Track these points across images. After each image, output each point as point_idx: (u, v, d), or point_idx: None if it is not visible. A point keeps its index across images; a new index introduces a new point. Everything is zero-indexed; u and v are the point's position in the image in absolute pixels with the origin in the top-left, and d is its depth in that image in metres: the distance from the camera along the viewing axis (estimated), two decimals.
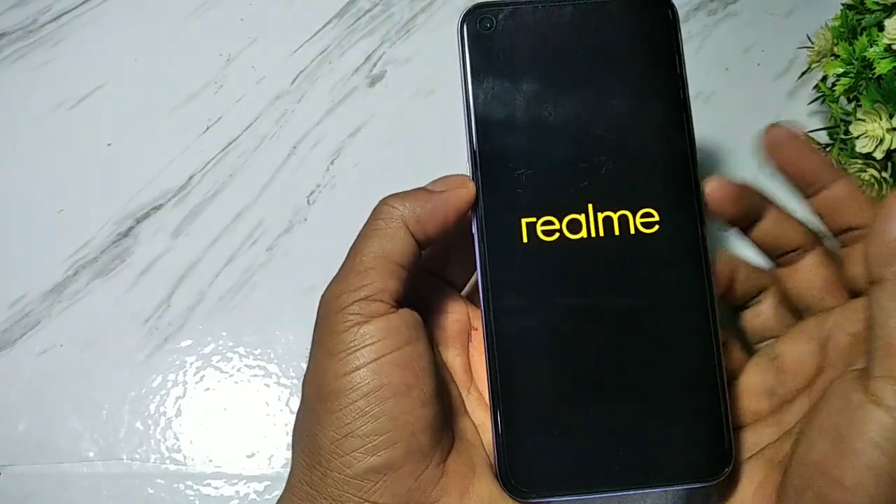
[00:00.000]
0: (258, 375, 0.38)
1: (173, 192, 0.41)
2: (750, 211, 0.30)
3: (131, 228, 0.40)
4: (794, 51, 0.42)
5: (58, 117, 0.42)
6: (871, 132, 0.34)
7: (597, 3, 0.30)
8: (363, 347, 0.26)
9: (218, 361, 0.38)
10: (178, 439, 0.37)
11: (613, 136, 0.29)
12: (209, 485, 0.36)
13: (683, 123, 0.29)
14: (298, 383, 0.37)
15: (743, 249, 0.32)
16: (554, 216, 0.28)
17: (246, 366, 0.38)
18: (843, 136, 0.36)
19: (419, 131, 0.42)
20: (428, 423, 0.26)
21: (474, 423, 0.29)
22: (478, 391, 0.30)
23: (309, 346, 0.28)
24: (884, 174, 0.34)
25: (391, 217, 0.27)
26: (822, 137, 0.38)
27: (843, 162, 0.36)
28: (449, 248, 0.31)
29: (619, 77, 0.29)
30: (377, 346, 0.26)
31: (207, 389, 0.38)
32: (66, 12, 0.44)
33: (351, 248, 0.28)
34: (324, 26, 0.44)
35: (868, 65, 0.35)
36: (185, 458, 0.37)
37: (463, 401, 0.30)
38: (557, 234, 0.28)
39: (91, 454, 0.37)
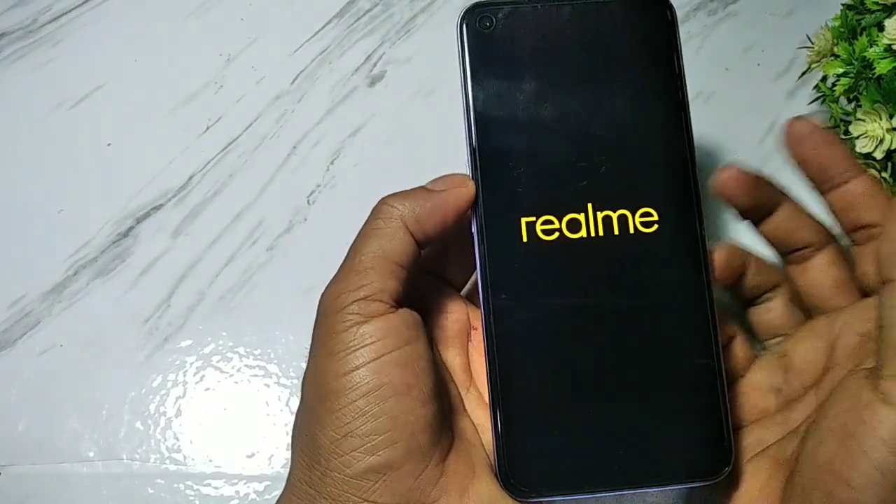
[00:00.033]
0: (258, 375, 0.38)
1: (173, 192, 0.41)
2: (763, 202, 0.30)
3: (131, 228, 0.40)
4: (794, 51, 0.42)
5: (58, 117, 0.42)
6: (871, 132, 0.34)
7: (596, 2, 0.30)
8: (363, 347, 0.26)
9: (218, 361, 0.38)
10: (178, 439, 0.37)
11: (613, 135, 0.29)
12: (209, 485, 0.36)
13: (682, 123, 0.29)
14: (298, 383, 0.37)
15: (752, 245, 0.32)
16: (553, 215, 0.28)
17: (246, 366, 0.38)
18: (843, 137, 0.36)
19: (419, 131, 0.42)
20: (428, 422, 0.26)
21: (474, 423, 0.29)
22: (477, 391, 0.30)
23: (309, 346, 0.28)
24: (884, 174, 0.34)
25: (390, 217, 0.27)
26: None
27: None
28: (448, 247, 0.31)
29: (618, 76, 0.29)
30: (377, 346, 0.26)
31: (207, 389, 0.38)
32: (66, 12, 0.44)
33: (350, 247, 0.28)
34: (324, 26, 0.44)
35: (868, 65, 0.35)
36: (185, 458, 0.37)
37: (462, 400, 0.30)
38: (557, 234, 0.28)
39: (91, 454, 0.37)
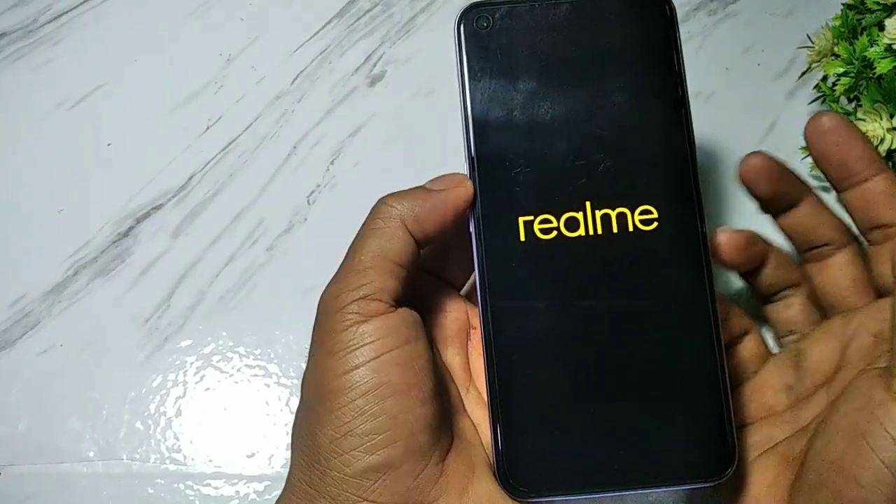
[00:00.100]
0: (258, 375, 0.38)
1: (173, 192, 0.41)
2: (786, 195, 0.30)
3: (131, 228, 0.40)
4: (794, 51, 0.42)
5: (58, 117, 0.42)
6: (871, 132, 0.34)
7: (594, 0, 0.30)
8: (362, 346, 0.26)
9: (218, 361, 0.38)
10: (178, 439, 0.37)
11: (611, 133, 0.29)
12: (209, 485, 0.36)
13: (682, 120, 0.29)
14: (298, 383, 0.37)
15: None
16: (552, 214, 0.28)
17: (246, 366, 0.38)
18: None
19: (419, 131, 0.42)
20: (427, 421, 0.26)
21: (473, 423, 0.29)
22: (477, 390, 0.30)
23: (308, 346, 0.28)
24: None
25: (390, 216, 0.27)
26: None
27: None
28: (448, 247, 0.31)
29: (616, 74, 0.29)
30: (376, 345, 0.26)
31: (207, 389, 0.38)
32: (66, 12, 0.44)
33: (350, 247, 0.28)
34: (324, 26, 0.44)
35: (868, 65, 0.35)
36: (185, 458, 0.37)
37: (462, 400, 0.30)
38: (555, 233, 0.28)
39: (91, 454, 0.37)
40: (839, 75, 0.36)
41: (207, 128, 0.42)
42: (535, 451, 0.27)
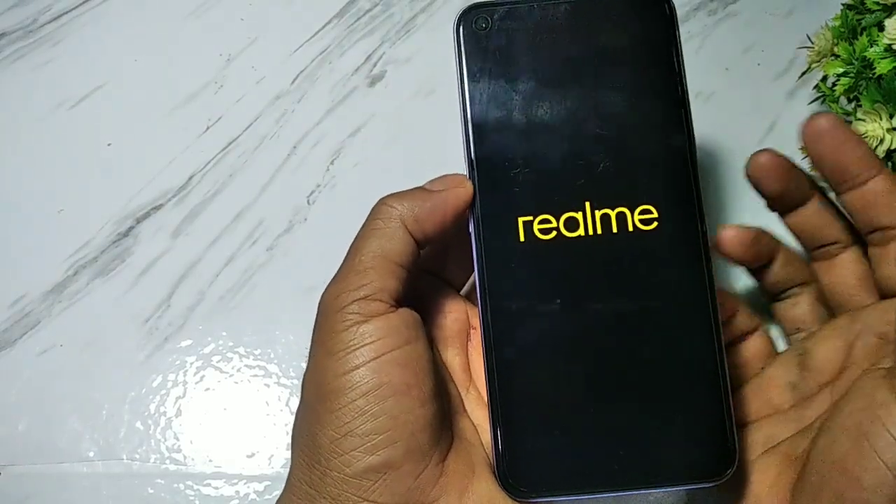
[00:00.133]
0: (258, 375, 0.38)
1: (173, 192, 0.41)
2: (794, 192, 0.30)
3: (131, 228, 0.40)
4: (794, 51, 0.42)
5: (58, 117, 0.42)
6: (871, 132, 0.34)
7: (593, 0, 0.29)
8: (362, 346, 0.26)
9: (218, 361, 0.38)
10: (178, 439, 0.37)
11: (611, 133, 0.29)
12: (209, 485, 0.36)
13: (682, 120, 0.29)
14: (298, 383, 0.37)
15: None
16: (551, 214, 0.28)
17: (246, 366, 0.38)
18: None
19: (419, 131, 0.42)
20: (427, 422, 0.26)
21: (473, 423, 0.29)
22: (477, 390, 0.30)
23: (309, 346, 0.28)
24: None
25: (390, 217, 0.27)
26: None
27: None
28: (448, 247, 0.31)
29: (616, 74, 0.29)
30: (376, 345, 0.26)
31: (207, 389, 0.38)
32: (66, 12, 0.44)
33: (350, 247, 0.28)
34: (324, 26, 0.44)
35: (868, 65, 0.35)
36: (185, 458, 0.37)
37: (462, 400, 0.30)
38: (555, 233, 0.28)
39: (91, 454, 0.37)
40: (839, 75, 0.36)
41: (207, 128, 0.42)
42: (535, 451, 0.27)
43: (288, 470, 0.27)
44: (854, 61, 0.35)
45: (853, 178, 0.28)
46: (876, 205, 0.28)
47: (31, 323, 0.38)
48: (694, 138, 0.29)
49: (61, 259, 0.39)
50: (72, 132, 0.42)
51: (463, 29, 0.30)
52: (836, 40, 0.37)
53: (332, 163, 0.41)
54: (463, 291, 0.33)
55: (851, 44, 0.36)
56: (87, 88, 0.42)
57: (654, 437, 0.27)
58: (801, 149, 0.39)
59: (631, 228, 0.28)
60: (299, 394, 0.28)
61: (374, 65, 0.43)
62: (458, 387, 0.30)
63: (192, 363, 0.38)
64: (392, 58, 0.43)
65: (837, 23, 0.37)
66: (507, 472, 0.27)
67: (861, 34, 0.35)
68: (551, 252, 0.28)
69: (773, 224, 0.32)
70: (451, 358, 0.30)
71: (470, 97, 0.29)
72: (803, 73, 0.40)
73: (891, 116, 0.33)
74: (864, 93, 0.34)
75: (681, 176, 0.28)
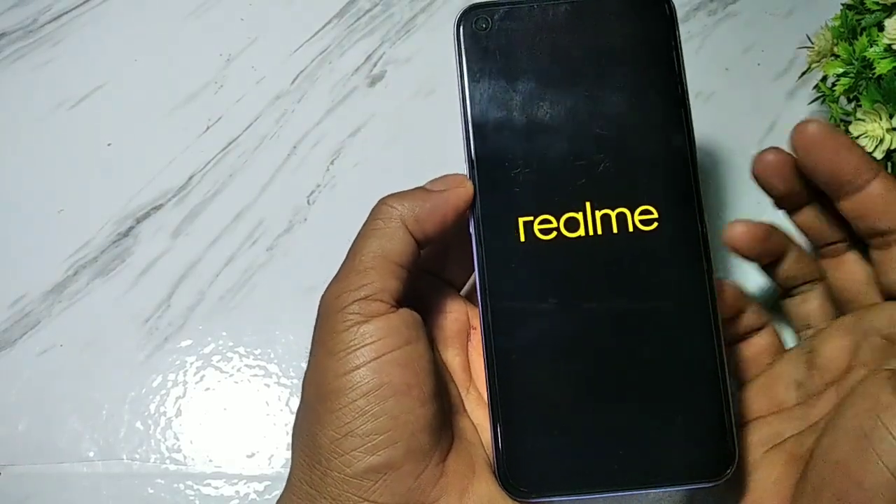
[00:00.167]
0: (258, 375, 0.38)
1: (173, 192, 0.41)
2: (801, 191, 0.29)
3: (131, 228, 0.40)
4: (794, 51, 0.42)
5: (58, 117, 0.42)
6: (871, 132, 0.34)
7: (593, 0, 0.29)
8: (363, 346, 0.26)
9: (218, 361, 0.38)
10: (178, 439, 0.37)
11: (611, 133, 0.29)
12: (209, 485, 0.36)
13: (682, 120, 0.29)
14: (298, 383, 0.37)
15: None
16: (551, 215, 0.28)
17: (246, 366, 0.38)
18: None
19: (419, 131, 0.42)
20: (428, 422, 0.26)
21: (473, 423, 0.29)
22: (477, 391, 0.30)
23: (309, 346, 0.28)
24: None
25: (390, 217, 0.27)
26: None
27: None
28: (448, 247, 0.31)
29: (616, 74, 0.29)
30: (377, 346, 0.26)
31: (207, 389, 0.38)
32: (66, 12, 0.44)
33: (350, 247, 0.28)
34: (324, 26, 0.44)
35: (868, 65, 0.35)
36: (185, 458, 0.37)
37: (462, 400, 0.30)
38: (555, 233, 0.28)
39: (91, 454, 0.37)
40: (839, 75, 0.36)
41: (207, 128, 0.42)
42: (536, 451, 0.27)
43: (288, 470, 0.27)
44: (854, 61, 0.35)
45: (848, 185, 0.27)
46: (875, 210, 0.27)
47: (31, 323, 0.38)
48: (694, 138, 0.29)
49: (61, 259, 0.39)
50: (72, 132, 0.42)
51: (463, 29, 0.30)
52: (836, 40, 0.37)
53: (332, 163, 0.41)
54: (463, 292, 0.33)
55: (851, 44, 0.36)
56: (87, 88, 0.42)
57: (654, 437, 0.27)
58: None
59: (631, 229, 0.28)
60: (299, 394, 0.28)
61: (374, 65, 0.43)
62: (459, 387, 0.30)
63: (192, 363, 0.38)
64: (392, 58, 0.43)
65: (837, 23, 0.37)
66: (507, 472, 0.27)
67: (861, 34, 0.35)
68: (552, 252, 0.28)
69: (776, 222, 0.32)
70: (452, 358, 0.30)
71: (470, 97, 0.29)
72: (803, 73, 0.40)
73: (891, 116, 0.33)
74: (864, 93, 0.34)
75: (681, 176, 0.28)
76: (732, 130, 0.41)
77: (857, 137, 0.34)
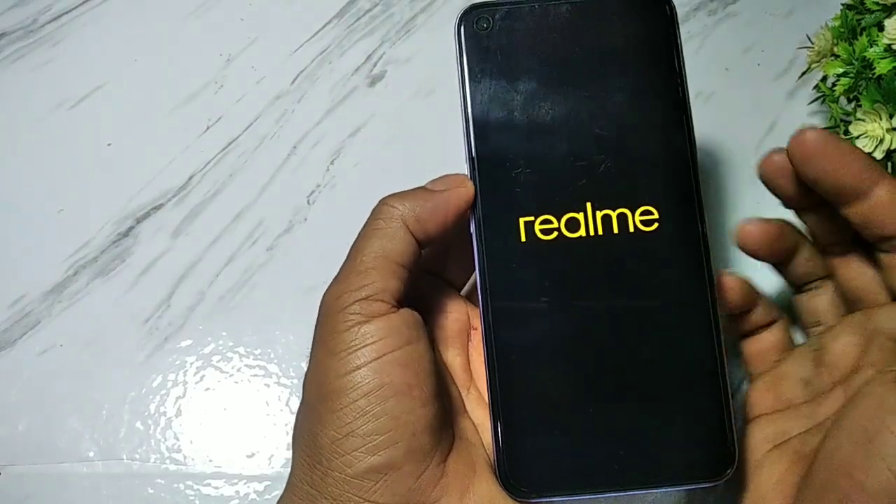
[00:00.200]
0: (258, 375, 0.38)
1: (173, 192, 0.41)
2: (809, 192, 0.29)
3: (131, 228, 0.40)
4: (794, 51, 0.42)
5: (58, 117, 0.42)
6: (871, 132, 0.34)
7: (594, 0, 0.29)
8: (364, 347, 0.26)
9: (218, 361, 0.38)
10: (178, 439, 0.37)
11: (612, 134, 0.29)
12: (209, 485, 0.36)
13: (683, 120, 0.29)
14: (298, 383, 0.37)
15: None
16: (552, 215, 0.28)
17: (246, 366, 0.38)
18: (843, 136, 0.36)
19: (419, 131, 0.42)
20: (429, 422, 0.26)
21: (474, 423, 0.29)
22: (477, 391, 0.30)
23: (309, 346, 0.28)
24: None
25: (391, 217, 0.27)
26: None
27: None
28: (448, 247, 0.31)
29: (617, 75, 0.29)
30: (378, 346, 0.26)
31: (207, 389, 0.38)
32: (66, 12, 0.44)
33: (351, 248, 0.28)
34: (324, 26, 0.44)
35: (868, 65, 0.35)
36: (185, 458, 0.37)
37: (463, 400, 0.30)
38: (556, 233, 0.28)
39: (91, 454, 0.37)
40: (839, 75, 0.36)
41: (207, 128, 0.42)
42: (536, 451, 0.27)
43: (288, 470, 0.27)
44: (854, 61, 0.35)
45: (852, 193, 0.26)
46: (881, 216, 0.26)
47: (31, 323, 0.38)
48: (695, 139, 0.29)
49: (61, 259, 0.39)
50: (72, 132, 0.42)
51: (464, 29, 0.29)
52: (836, 40, 0.37)
53: (332, 163, 0.41)
54: (463, 292, 0.33)
55: (851, 44, 0.36)
56: (87, 88, 0.42)
57: (655, 437, 0.27)
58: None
59: (632, 229, 0.28)
60: (299, 394, 0.28)
61: (374, 65, 0.43)
62: (459, 387, 0.30)
63: (192, 363, 0.38)
64: (392, 58, 0.43)
65: (837, 23, 0.37)
66: (507, 472, 0.27)
67: (861, 34, 0.35)
68: (552, 252, 0.28)
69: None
70: (452, 358, 0.30)
71: (471, 97, 0.29)
72: (803, 73, 0.40)
73: (891, 116, 0.33)
74: (864, 93, 0.34)
75: (682, 177, 0.28)
76: (732, 130, 0.41)
77: (857, 137, 0.34)
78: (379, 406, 0.25)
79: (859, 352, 0.28)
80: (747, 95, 0.42)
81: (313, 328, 0.28)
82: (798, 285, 0.32)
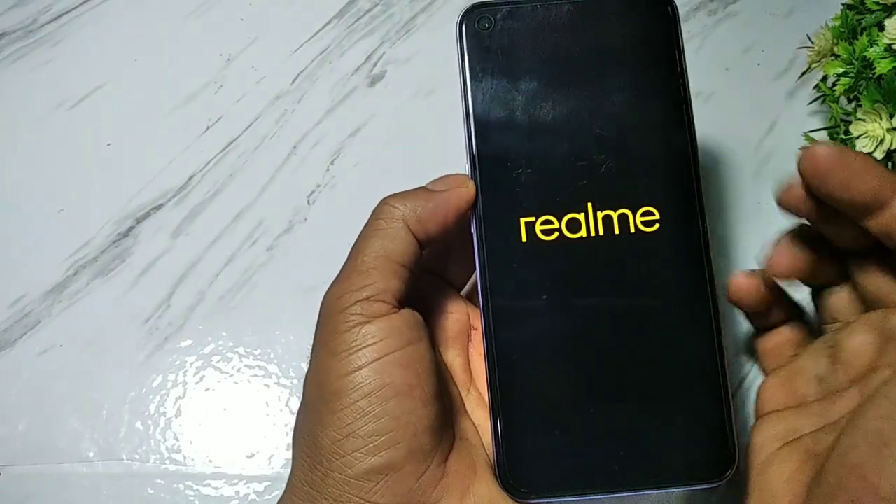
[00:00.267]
0: (258, 375, 0.38)
1: (173, 192, 0.41)
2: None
3: (131, 228, 0.40)
4: (794, 51, 0.42)
5: (58, 117, 0.42)
6: (871, 132, 0.34)
7: (595, 0, 0.29)
8: (365, 347, 0.26)
9: (218, 361, 0.38)
10: (178, 439, 0.37)
11: (613, 134, 0.29)
12: (209, 485, 0.36)
13: (684, 121, 0.29)
14: (298, 383, 0.37)
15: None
16: (553, 215, 0.28)
17: (246, 366, 0.38)
18: (843, 136, 0.36)
19: (419, 131, 0.42)
20: (429, 423, 0.26)
21: (474, 424, 0.29)
22: (477, 391, 0.30)
23: (309, 347, 0.28)
24: None
25: (392, 217, 0.27)
26: (822, 137, 0.38)
27: None
28: (449, 247, 0.31)
29: (618, 75, 0.29)
30: (379, 346, 0.26)
31: (207, 389, 0.38)
32: (66, 12, 0.44)
33: (352, 248, 0.28)
34: (324, 26, 0.44)
35: (868, 65, 0.35)
36: (185, 458, 0.37)
37: (463, 401, 0.30)
38: (557, 234, 0.28)
39: (91, 454, 0.37)
40: (839, 75, 0.36)
41: (207, 128, 0.42)
42: (536, 451, 0.27)
43: (288, 470, 0.27)
44: (854, 61, 0.35)
45: (870, 207, 0.25)
46: None
47: (31, 323, 0.38)
48: (696, 139, 0.29)
49: (61, 259, 0.39)
50: (72, 132, 0.42)
51: (465, 28, 0.29)
52: (836, 40, 0.37)
53: (332, 163, 0.41)
54: (464, 292, 0.33)
55: (851, 44, 0.36)
56: (87, 88, 0.42)
57: (655, 437, 0.27)
58: (803, 149, 0.39)
59: (633, 230, 0.28)
60: (299, 394, 0.28)
61: (374, 65, 0.43)
62: (459, 387, 0.30)
63: (192, 363, 0.38)
64: (392, 58, 0.43)
65: (837, 23, 0.37)
66: (507, 472, 0.27)
67: (861, 34, 0.35)
68: (553, 253, 0.28)
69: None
70: (452, 358, 0.30)
71: (472, 97, 0.29)
72: (803, 73, 0.40)
73: (891, 116, 0.33)
74: (864, 93, 0.34)
75: (682, 177, 0.28)
76: (732, 130, 0.41)
77: (858, 137, 0.34)
78: (380, 407, 0.25)
79: (875, 351, 0.27)
80: (747, 95, 0.42)
81: (313, 328, 0.28)
82: (819, 285, 0.31)
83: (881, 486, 0.22)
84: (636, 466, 0.27)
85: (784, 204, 0.28)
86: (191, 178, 0.41)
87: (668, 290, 0.28)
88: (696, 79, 0.37)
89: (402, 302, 0.27)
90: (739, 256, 0.39)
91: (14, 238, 0.40)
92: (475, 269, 0.28)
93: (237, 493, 0.36)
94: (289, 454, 0.33)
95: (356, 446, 0.25)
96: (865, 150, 0.34)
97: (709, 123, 0.40)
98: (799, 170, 0.26)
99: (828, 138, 0.38)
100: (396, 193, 0.28)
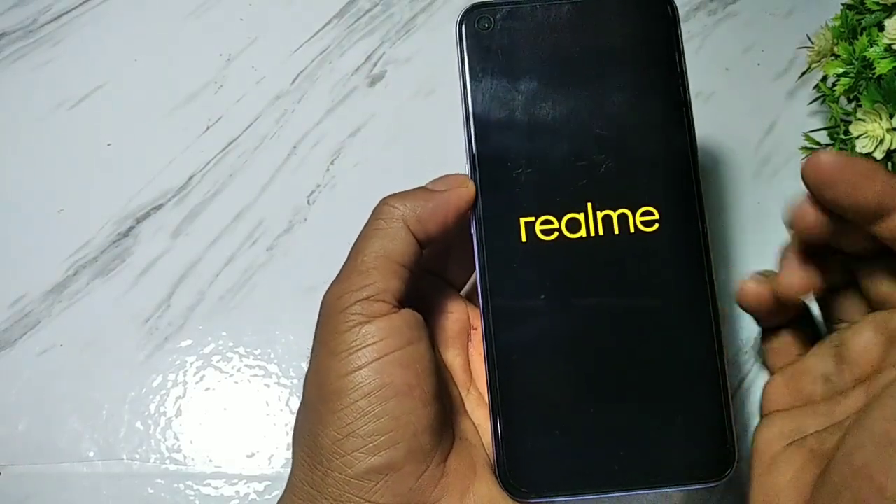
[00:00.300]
0: (258, 375, 0.38)
1: (173, 192, 0.41)
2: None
3: (131, 228, 0.40)
4: (794, 51, 0.42)
5: (58, 117, 0.42)
6: (871, 132, 0.34)
7: (595, 0, 0.29)
8: (365, 347, 0.26)
9: (218, 361, 0.38)
10: (178, 439, 0.37)
11: (613, 134, 0.29)
12: (209, 485, 0.36)
13: (684, 121, 0.29)
14: (298, 383, 0.37)
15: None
16: (553, 215, 0.28)
17: (246, 366, 0.38)
18: (843, 136, 0.36)
19: (419, 131, 0.42)
20: (429, 422, 0.26)
21: (474, 423, 0.29)
22: (477, 391, 0.30)
23: (309, 346, 0.28)
24: None
25: (392, 217, 0.27)
26: (823, 137, 0.38)
27: None
28: (449, 247, 0.31)
29: (618, 75, 0.29)
30: (379, 346, 0.26)
31: (207, 389, 0.38)
32: (66, 12, 0.44)
33: (352, 248, 0.28)
34: (324, 26, 0.44)
35: (868, 65, 0.35)
36: (185, 458, 0.37)
37: (463, 401, 0.30)
38: (556, 234, 0.28)
39: (91, 454, 0.37)
40: (839, 75, 0.36)
41: (207, 128, 0.42)
42: (536, 451, 0.27)
43: (288, 470, 0.27)
44: (854, 61, 0.35)
45: (877, 213, 0.25)
46: None
47: (31, 323, 0.38)
48: (696, 139, 0.29)
49: (61, 259, 0.39)
50: (72, 132, 0.42)
51: (465, 28, 0.29)
52: (836, 40, 0.37)
53: (332, 163, 0.41)
54: (463, 292, 0.33)
55: (851, 44, 0.36)
56: (87, 88, 0.42)
57: (655, 437, 0.27)
58: (802, 149, 0.39)
59: (632, 230, 0.28)
60: (299, 394, 0.28)
61: (374, 65, 0.43)
62: (459, 387, 0.30)
63: (192, 363, 0.38)
64: (392, 58, 0.43)
65: (837, 23, 0.37)
66: (507, 472, 0.27)
67: (861, 34, 0.35)
68: (553, 253, 0.28)
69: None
70: (452, 358, 0.30)
71: (472, 97, 0.29)
72: (803, 73, 0.40)
73: (891, 116, 0.33)
74: (864, 93, 0.34)
75: (682, 177, 0.29)
76: (732, 130, 0.41)
77: (857, 137, 0.34)
78: (380, 406, 0.25)
79: (881, 351, 0.27)
80: (747, 95, 0.42)
81: (313, 328, 0.28)
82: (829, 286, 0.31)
83: (887, 486, 0.22)
84: (636, 466, 0.27)
85: (796, 227, 0.27)
86: (191, 178, 0.41)
87: (668, 290, 0.28)
88: (696, 79, 0.37)
89: (402, 302, 0.27)
90: (739, 256, 0.39)
91: (14, 238, 0.40)
92: (475, 269, 0.28)
93: (237, 492, 0.36)
94: (289, 454, 0.33)
95: (356, 446, 0.25)
96: (865, 151, 0.34)
97: (709, 123, 0.40)
98: (803, 178, 0.25)
99: (828, 138, 0.38)
100: (396, 193, 0.28)
